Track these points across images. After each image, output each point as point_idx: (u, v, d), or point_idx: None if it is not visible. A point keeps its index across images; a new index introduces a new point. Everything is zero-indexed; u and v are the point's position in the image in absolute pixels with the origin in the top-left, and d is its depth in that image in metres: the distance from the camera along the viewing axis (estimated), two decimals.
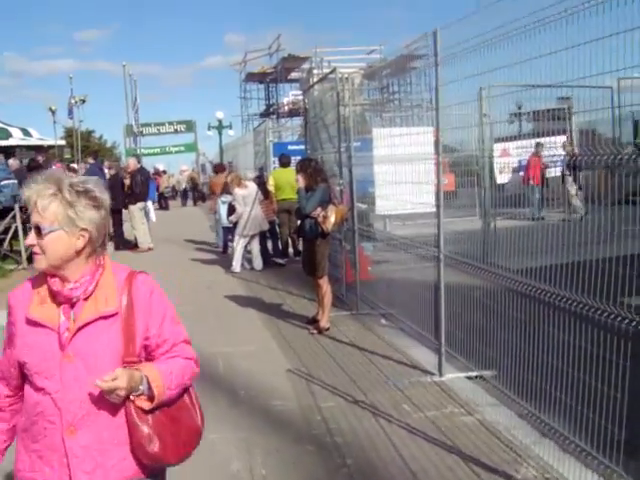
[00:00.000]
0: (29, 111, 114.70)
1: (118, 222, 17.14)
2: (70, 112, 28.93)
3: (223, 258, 14.53)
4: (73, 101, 23.33)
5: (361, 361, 6.95)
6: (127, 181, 16.49)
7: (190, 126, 47.93)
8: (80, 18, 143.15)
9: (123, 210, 16.91)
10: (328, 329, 8.06)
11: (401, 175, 7.67)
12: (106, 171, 17.12)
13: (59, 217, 2.28)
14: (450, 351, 6.26)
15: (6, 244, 13.89)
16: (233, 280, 12.11)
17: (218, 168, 18.37)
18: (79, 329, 2.31)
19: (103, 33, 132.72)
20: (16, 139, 26.00)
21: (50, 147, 27.15)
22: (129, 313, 2.41)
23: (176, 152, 48.37)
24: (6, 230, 13.74)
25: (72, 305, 2.35)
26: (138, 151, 39.20)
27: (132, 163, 17.20)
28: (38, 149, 25.23)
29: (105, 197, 2.43)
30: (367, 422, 5.32)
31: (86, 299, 2.36)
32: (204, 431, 2.70)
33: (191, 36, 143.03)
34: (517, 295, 5.00)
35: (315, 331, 8.05)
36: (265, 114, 43.04)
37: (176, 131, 47.97)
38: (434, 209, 6.41)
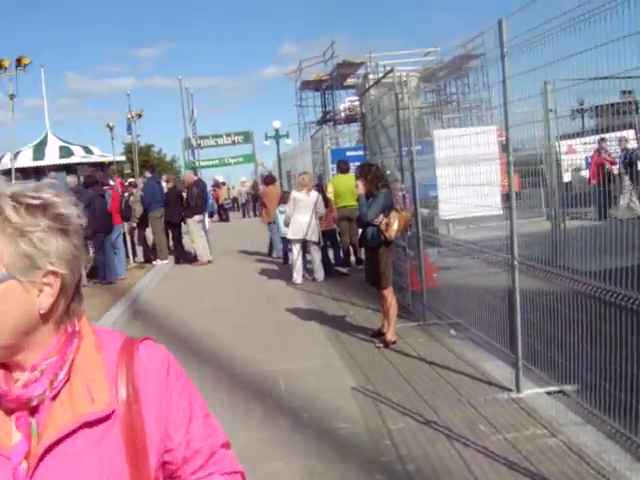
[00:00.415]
0: (90, 129, 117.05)
1: (177, 235, 17.09)
2: (129, 128, 29.14)
3: (284, 269, 14.25)
4: (129, 116, 23.31)
5: (431, 376, 6.53)
6: (185, 194, 16.42)
7: (248, 137, 47.90)
8: (138, 36, 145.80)
9: (182, 223, 16.87)
10: (395, 342, 7.66)
11: (464, 177, 7.27)
12: (164, 185, 17.03)
13: (4, 257, 1.25)
14: (528, 365, 5.80)
15: None
16: (294, 292, 11.82)
17: (268, 180, 18.45)
18: (46, 452, 1.27)
19: (160, 50, 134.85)
20: (78, 157, 26.39)
21: (111, 163, 27.46)
22: (133, 412, 1.36)
23: (235, 163, 48.32)
24: None
25: (32, 411, 1.31)
26: (197, 164, 39.31)
27: (188, 176, 17.14)
28: (99, 166, 25.52)
29: (73, 212, 1.33)
30: (441, 446, 4.90)
31: (55, 397, 1.31)
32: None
33: (247, 49, 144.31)
34: (598, 302, 4.54)
35: (381, 345, 7.66)
36: (322, 121, 42.76)
37: (234, 142, 47.94)
38: (500, 212, 6.00)
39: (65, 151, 26.51)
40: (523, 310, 5.75)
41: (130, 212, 15.30)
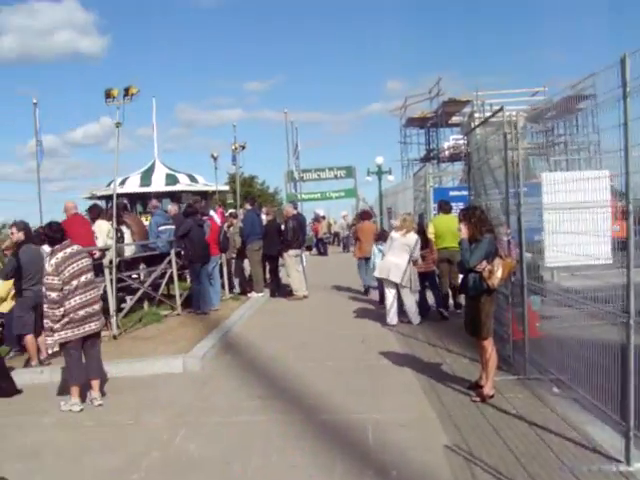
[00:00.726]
0: (197, 158, 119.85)
1: (274, 268, 17.06)
2: (233, 159, 29.60)
3: (379, 309, 13.91)
4: (234, 147, 23.64)
5: (530, 438, 6.04)
6: (283, 227, 16.40)
7: (350, 172, 47.97)
8: (248, 70, 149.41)
9: (279, 256, 16.84)
10: (492, 396, 7.20)
11: (572, 223, 6.82)
12: (263, 217, 17.04)
13: None
14: None
15: (161, 289, 14.02)
16: (389, 334, 11.45)
17: (364, 215, 18.48)
18: None
19: (268, 84, 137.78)
20: (183, 185, 27.21)
21: (214, 192, 27.96)
22: None
23: (336, 197, 48.36)
24: (162, 275, 13.88)
25: None
26: (299, 196, 39.61)
27: (287, 209, 17.10)
28: (203, 195, 26.00)
29: None
30: None
31: None
32: None
33: (352, 84, 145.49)
34: None
35: (478, 399, 7.21)
36: (425, 159, 42.52)
37: (336, 177, 48.02)
38: (609, 261, 5.54)
39: (171, 179, 27.45)
40: (637, 372, 5.25)
41: (228, 243, 15.35)
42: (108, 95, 11.39)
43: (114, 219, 11.88)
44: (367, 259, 16.54)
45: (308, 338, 11.19)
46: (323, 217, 41.13)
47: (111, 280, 11.31)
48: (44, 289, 7.63)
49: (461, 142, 39.94)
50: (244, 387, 8.25)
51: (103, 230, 12.39)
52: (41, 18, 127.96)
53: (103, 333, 11.23)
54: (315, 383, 8.22)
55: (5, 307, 11.10)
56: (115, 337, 11.21)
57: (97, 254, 11.86)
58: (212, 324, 12.18)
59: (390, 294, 12.13)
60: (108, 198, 24.27)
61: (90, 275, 7.86)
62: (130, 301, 12.72)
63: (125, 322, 12.37)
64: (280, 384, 8.25)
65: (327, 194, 48.33)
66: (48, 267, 7.55)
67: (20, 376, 9.29)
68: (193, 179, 28.55)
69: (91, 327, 7.72)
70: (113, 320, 11.26)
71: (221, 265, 15.43)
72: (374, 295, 15.58)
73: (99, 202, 19.58)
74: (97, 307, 7.85)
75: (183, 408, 7.57)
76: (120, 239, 12.69)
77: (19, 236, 9.95)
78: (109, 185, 28.87)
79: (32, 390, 8.84)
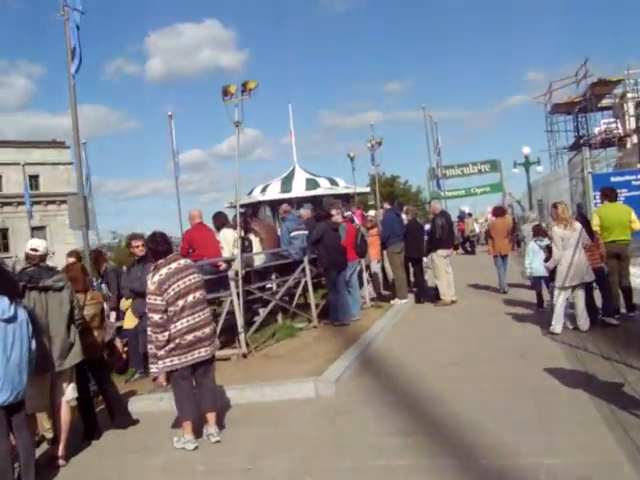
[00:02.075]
0: (338, 164, 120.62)
1: (419, 271, 15.67)
2: (372, 158, 28.86)
3: (538, 314, 12.25)
4: (370, 144, 22.63)
5: None
6: (428, 226, 15.03)
7: (494, 166, 45.94)
8: (385, 71, 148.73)
9: (423, 258, 15.52)
10: None
11: None
12: (403, 217, 15.70)
13: None
14: None
15: (296, 300, 12.99)
16: (552, 345, 9.81)
17: (498, 211, 18.16)
18: None
19: (406, 84, 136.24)
20: (323, 189, 26.80)
21: (359, 194, 27.27)
22: None
23: (481, 193, 46.51)
24: (296, 284, 12.86)
25: None
26: (442, 194, 38.03)
27: (434, 206, 15.69)
28: (344, 197, 25.32)
29: None
30: None
31: None
32: None
33: (491, 78, 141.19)
34: None
35: None
36: (575, 146, 39.86)
37: (480, 171, 46.24)
38: None
39: (311, 183, 27.22)
40: None
41: (366, 247, 14.14)
42: (226, 92, 10.48)
43: (239, 227, 10.93)
44: (503, 257, 16.28)
45: (458, 352, 9.76)
46: (469, 214, 39.19)
47: (238, 293, 10.39)
48: (147, 310, 6.71)
49: (613, 125, 37.10)
50: (383, 418, 6.95)
51: (229, 239, 11.49)
52: (185, 39, 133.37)
53: (231, 352, 10.44)
54: (468, 412, 6.81)
55: (130, 323, 10.45)
56: (244, 356, 10.27)
57: (223, 266, 10.98)
58: (350, 338, 10.99)
59: (562, 297, 10.42)
60: (249, 206, 24.05)
61: (200, 294, 6.80)
62: (262, 314, 11.79)
63: (257, 338, 11.44)
64: (426, 415, 6.90)
65: (471, 190, 46.47)
66: (150, 285, 6.58)
67: (138, 403, 8.53)
68: (334, 182, 28.20)
69: (201, 354, 6.68)
70: (241, 337, 10.31)
71: (360, 272, 14.24)
72: (524, 295, 14.22)
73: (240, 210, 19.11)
74: (208, 331, 6.77)
75: (311, 447, 6.37)
76: (247, 248, 11.74)
77: (143, 250, 9.30)
78: (250, 193, 29.24)
79: (148, 420, 8.01)
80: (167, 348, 6.51)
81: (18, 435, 5.82)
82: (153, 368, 6.67)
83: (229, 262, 10.83)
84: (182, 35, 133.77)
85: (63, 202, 61.14)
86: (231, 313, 10.70)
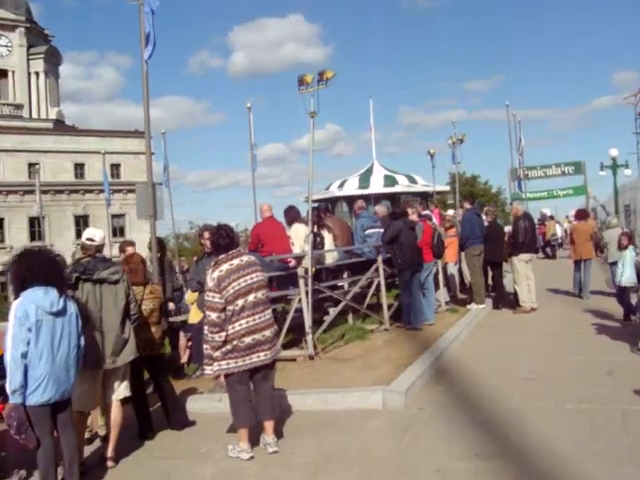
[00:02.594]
0: (418, 162, 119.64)
1: (498, 275, 14.94)
2: (453, 156, 28.20)
3: (625, 327, 11.43)
4: (451, 141, 21.90)
5: None
6: (507, 228, 14.29)
7: (579, 168, 44.44)
8: (468, 70, 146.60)
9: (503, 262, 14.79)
10: None
11: None
12: (484, 218, 14.96)
13: None
14: None
15: (367, 301, 12.46)
16: None
17: (581, 214, 17.66)
18: None
19: (490, 82, 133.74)
20: (402, 186, 26.50)
21: (438, 193, 26.69)
22: None
23: (564, 196, 45.13)
24: (369, 284, 12.33)
25: None
26: (523, 195, 36.84)
27: (517, 208, 14.84)
28: (422, 195, 24.78)
29: None
30: None
31: None
32: None
33: (576, 79, 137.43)
34: None
35: None
36: None
37: (563, 173, 44.89)
38: None
39: (389, 180, 26.95)
40: None
41: (443, 248, 13.50)
42: (302, 82, 10.05)
43: (310, 222, 10.44)
44: (585, 262, 15.84)
45: (538, 366, 9.07)
46: (551, 217, 37.81)
47: (307, 292, 9.95)
48: (205, 308, 6.31)
49: None
50: (456, 437, 6.36)
51: (300, 235, 11.04)
52: (269, 33, 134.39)
53: (298, 352, 10.01)
54: (548, 436, 6.18)
55: (195, 318, 10.13)
56: (311, 357, 9.82)
57: (293, 262, 10.55)
58: (423, 344, 10.41)
59: None
60: (326, 201, 23.77)
61: (262, 294, 6.31)
62: (332, 314, 11.32)
63: (325, 338, 11.00)
64: (501, 436, 6.29)
65: (554, 192, 45.00)
66: (209, 281, 6.15)
67: (195, 403, 8.15)
68: (412, 180, 27.69)
69: (260, 358, 6.20)
70: (309, 338, 9.87)
71: (436, 273, 13.62)
72: (607, 304, 13.48)
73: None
74: (269, 333, 6.27)
75: (373, 467, 5.83)
76: (319, 245, 11.27)
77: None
78: (328, 188, 29.05)
79: (205, 422, 7.64)
80: (223, 350, 6.09)
81: (63, 435, 5.50)
82: (207, 369, 6.25)
83: (299, 259, 10.40)
84: (266, 29, 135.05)
85: None
86: (299, 311, 10.29)
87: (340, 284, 12.26)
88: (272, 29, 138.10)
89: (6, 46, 69.94)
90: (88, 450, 6.94)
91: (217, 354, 6.10)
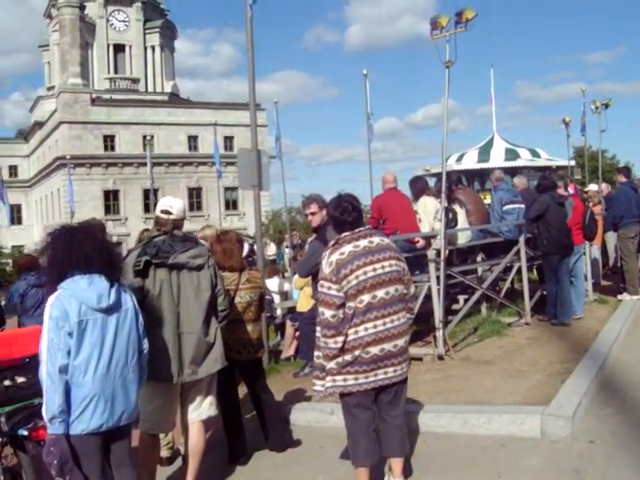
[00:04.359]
0: (535, 137, 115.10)
1: None
2: (582, 129, 25.94)
3: None
4: (593, 107, 19.58)
5: None
6: None
7: None
8: (590, 43, 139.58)
9: None
10: None
11: None
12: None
13: None
14: None
15: (505, 289, 10.63)
16: None
17: None
18: None
19: (612, 54, 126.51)
20: (524, 160, 25.12)
21: (560, 168, 24.57)
22: None
23: None
24: (507, 270, 10.51)
25: None
26: None
27: None
28: (546, 170, 22.74)
29: None
30: None
31: None
32: None
33: None
34: None
35: None
36: None
37: None
38: None
39: (511, 154, 25.76)
40: None
41: (596, 229, 11.49)
42: (435, 25, 8.34)
43: (443, 195, 8.64)
44: None
45: None
46: None
47: (438, 278, 8.30)
48: (317, 302, 4.75)
49: None
50: None
51: (429, 210, 9.27)
52: (385, 7, 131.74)
53: (425, 351, 8.41)
54: None
55: (303, 305, 8.71)
56: (441, 357, 8.21)
57: (421, 242, 8.89)
58: (576, 345, 8.56)
59: None
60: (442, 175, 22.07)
61: (397, 289, 4.64)
62: (465, 304, 9.63)
63: (456, 332, 9.35)
64: None
65: None
66: (325, 267, 4.55)
67: (301, 413, 6.68)
68: (535, 154, 26.37)
69: (388, 375, 4.56)
70: (439, 334, 8.23)
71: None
72: None
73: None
74: (402, 343, 4.61)
75: None
76: (451, 222, 9.48)
77: (319, 217, 6.97)
78: (446, 161, 27.36)
79: (313, 441, 6.18)
80: (340, 361, 4.49)
81: (118, 474, 3.99)
82: (318, 385, 4.66)
83: (428, 238, 8.73)
84: (382, 3, 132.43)
85: None
86: (426, 298, 8.66)
87: (473, 268, 10.51)
88: (388, 2, 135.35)
89: (124, 21, 70.97)
90: (165, 473, 5.60)
91: (331, 365, 4.52)
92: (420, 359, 8.30)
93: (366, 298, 4.48)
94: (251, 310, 5.97)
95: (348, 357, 4.48)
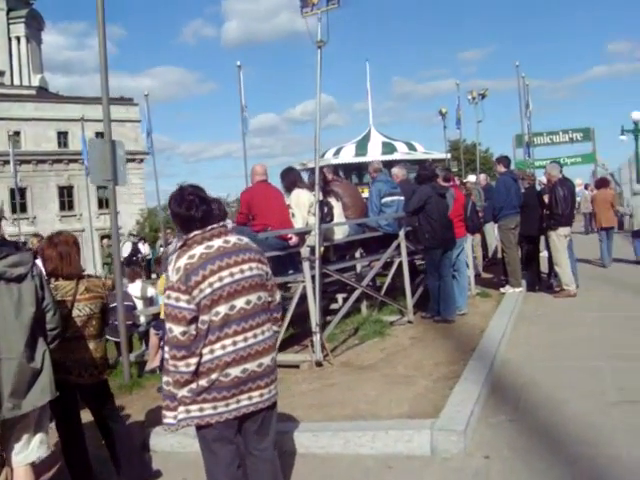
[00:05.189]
0: (412, 132, 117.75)
1: (533, 253, 12.46)
2: (458, 122, 26.15)
3: None
4: (471, 97, 19.69)
5: None
6: (546, 197, 11.80)
7: (588, 134, 42.32)
8: (463, 40, 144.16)
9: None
10: None
11: None
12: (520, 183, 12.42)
13: None
14: None
15: (386, 286, 9.98)
16: None
17: (601, 183, 17.88)
18: None
19: (484, 52, 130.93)
20: (400, 153, 25.07)
21: (436, 161, 24.80)
22: None
23: (572, 164, 42.69)
24: (387, 265, 9.89)
25: None
26: (528, 163, 34.67)
27: (552, 173, 12.10)
28: (422, 164, 22.82)
29: None
30: None
31: None
32: None
33: (573, 49, 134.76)
34: None
35: None
36: None
37: (571, 140, 42.70)
38: None
39: (388, 147, 25.72)
40: None
41: (479, 221, 11.10)
42: (306, 2, 7.61)
43: (317, 187, 7.84)
44: (607, 230, 15.80)
45: (625, 378, 6.67)
46: None
47: (313, 277, 7.56)
48: (164, 317, 3.86)
49: None
50: None
51: (302, 203, 8.46)
52: (263, 2, 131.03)
53: (301, 357, 7.68)
54: None
55: None
56: (319, 364, 7.49)
57: (294, 239, 8.11)
58: (462, 344, 8.05)
59: None
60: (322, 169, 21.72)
61: (260, 297, 3.85)
62: (343, 304, 8.94)
63: (335, 334, 8.68)
64: None
65: (561, 160, 42.47)
66: (172, 275, 3.70)
67: (164, 438, 5.76)
68: (411, 147, 26.30)
69: (253, 401, 3.75)
70: (316, 339, 7.49)
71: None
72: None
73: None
74: (268, 361, 3.81)
75: None
76: (327, 216, 8.75)
77: None
78: (322, 156, 27.50)
79: (176, 470, 5.33)
80: (194, 387, 3.65)
81: None
82: (168, 417, 3.78)
83: (302, 234, 7.96)
84: None
85: (130, 160, 59.64)
86: (302, 299, 7.91)
87: (351, 265, 9.85)
88: None
89: None
90: None
91: (184, 393, 3.66)
92: (297, 366, 7.58)
93: (223, 309, 3.64)
94: (92, 325, 5.00)
95: (204, 382, 3.63)
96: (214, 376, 3.62)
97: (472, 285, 11.69)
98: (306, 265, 7.53)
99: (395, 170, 11.16)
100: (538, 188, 12.94)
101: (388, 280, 9.84)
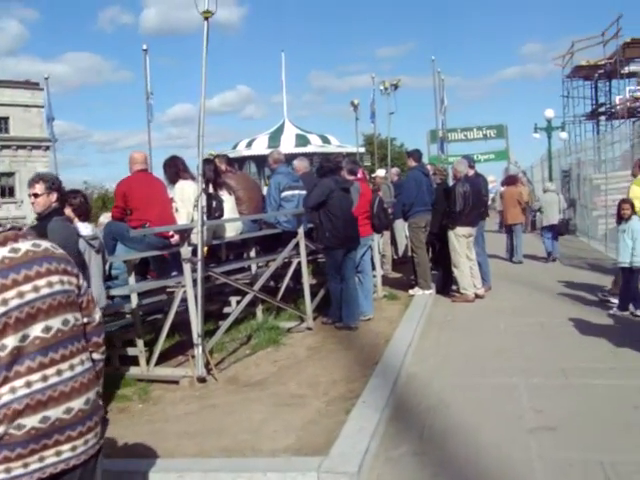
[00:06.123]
0: (329, 125, 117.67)
1: (442, 252, 11.72)
2: (372, 116, 25.71)
3: (620, 321, 8.69)
4: (383, 87, 19.21)
5: None
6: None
7: (501, 131, 42.47)
8: (381, 37, 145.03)
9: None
10: None
11: None
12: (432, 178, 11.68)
13: None
14: None
15: (283, 288, 9.05)
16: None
17: (509, 180, 18.49)
18: None
19: (402, 49, 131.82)
20: (314, 146, 25.35)
21: (349, 154, 24.31)
22: None
23: (485, 160, 42.83)
24: (285, 266, 8.97)
25: None
26: (442, 159, 34.65)
27: (458, 168, 11.19)
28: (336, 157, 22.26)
29: None
30: None
31: None
32: None
33: (487, 49, 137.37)
34: None
35: None
36: (593, 115, 36.48)
37: (485, 137, 42.87)
38: None
39: (302, 139, 25.89)
40: None
41: (387, 218, 10.29)
42: None
43: (199, 177, 6.77)
44: (514, 226, 16.21)
45: (542, 398, 5.97)
46: None
47: (195, 281, 6.59)
48: None
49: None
50: None
51: (187, 197, 7.31)
52: None
53: (181, 372, 6.74)
54: None
55: None
56: (202, 379, 6.54)
57: (175, 237, 7.09)
58: (364, 355, 7.25)
59: None
60: (235, 161, 20.95)
61: (66, 321, 2.77)
62: (234, 310, 8.00)
63: (225, 343, 7.77)
64: None
65: (475, 157, 42.61)
66: None
67: None
68: (326, 140, 26.63)
69: (62, 457, 2.66)
70: (197, 352, 6.53)
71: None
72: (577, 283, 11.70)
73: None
74: (81, 403, 2.75)
75: None
76: (216, 211, 7.77)
77: (49, 199, 5.59)
78: (235, 148, 27.06)
79: None
80: None
81: None
82: None
83: (185, 232, 6.96)
84: None
85: (35, 147, 57.17)
86: (184, 301, 6.91)
87: (247, 266, 8.90)
88: None
89: None
90: None
91: None
92: (176, 382, 6.62)
93: (11, 340, 2.61)
94: None
95: None
96: (1, 429, 2.60)
97: (379, 287, 10.94)
98: (187, 267, 6.55)
99: (296, 162, 10.21)
100: (451, 184, 12.25)
101: (285, 282, 8.91)
